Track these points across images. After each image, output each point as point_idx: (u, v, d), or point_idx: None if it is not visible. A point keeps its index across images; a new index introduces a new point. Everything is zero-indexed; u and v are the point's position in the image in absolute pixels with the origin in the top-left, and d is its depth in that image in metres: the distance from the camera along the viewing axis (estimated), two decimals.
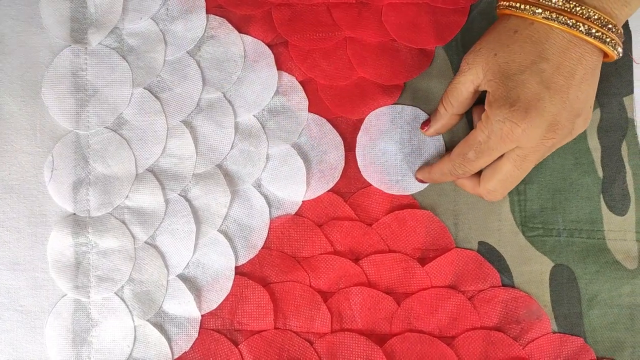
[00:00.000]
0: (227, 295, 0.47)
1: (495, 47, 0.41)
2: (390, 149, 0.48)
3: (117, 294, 0.47)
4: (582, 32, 0.39)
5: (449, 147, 0.48)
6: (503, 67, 0.40)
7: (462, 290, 0.47)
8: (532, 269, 0.47)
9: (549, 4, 0.40)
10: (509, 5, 0.41)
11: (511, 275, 0.47)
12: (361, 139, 0.48)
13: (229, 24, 0.48)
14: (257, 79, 0.48)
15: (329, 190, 0.48)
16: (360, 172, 0.48)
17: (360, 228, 0.47)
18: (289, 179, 0.48)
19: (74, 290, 0.46)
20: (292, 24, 0.48)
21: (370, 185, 0.48)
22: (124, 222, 0.47)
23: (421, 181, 0.47)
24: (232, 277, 0.47)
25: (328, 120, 0.48)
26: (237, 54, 0.48)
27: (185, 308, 0.47)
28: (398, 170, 0.48)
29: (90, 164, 0.47)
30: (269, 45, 0.48)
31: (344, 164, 0.48)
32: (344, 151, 0.48)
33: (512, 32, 0.41)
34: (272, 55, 0.48)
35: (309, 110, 0.48)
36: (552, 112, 0.40)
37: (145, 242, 0.47)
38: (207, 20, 0.48)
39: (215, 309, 0.47)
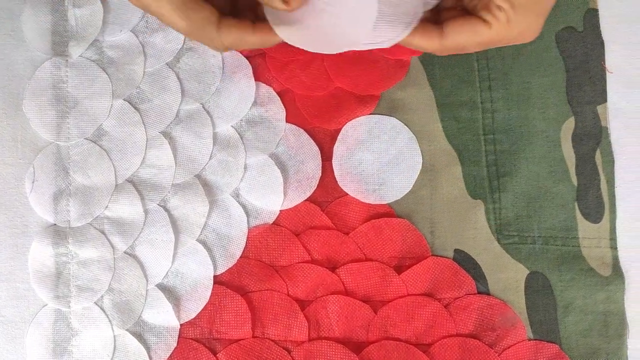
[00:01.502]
0: (206, 305, 0.47)
1: None
2: (367, 159, 0.48)
3: (97, 304, 0.47)
4: None
5: (426, 158, 0.48)
6: None
7: (438, 297, 0.47)
8: (508, 277, 0.48)
9: None
10: None
11: (487, 282, 0.48)
12: (338, 149, 0.49)
13: None
14: (235, 90, 0.49)
15: (306, 200, 0.48)
16: (337, 181, 0.48)
17: (337, 237, 0.48)
18: (267, 189, 0.48)
19: (55, 300, 0.47)
20: None
21: (347, 194, 0.48)
22: (103, 233, 0.48)
23: None
24: (211, 286, 0.47)
25: (305, 130, 0.49)
26: (216, 65, 0.49)
27: (164, 317, 0.47)
28: (375, 180, 0.48)
29: (71, 175, 0.48)
30: (246, 57, 0.49)
31: (320, 174, 0.48)
32: (321, 161, 0.48)
33: None
34: (250, 67, 0.49)
35: (287, 121, 0.49)
36: None
37: (125, 252, 0.47)
38: None
39: (194, 318, 0.47)
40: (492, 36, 0.37)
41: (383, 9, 0.36)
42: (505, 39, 0.37)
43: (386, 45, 0.38)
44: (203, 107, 0.49)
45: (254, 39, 0.35)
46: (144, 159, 0.48)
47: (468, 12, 0.38)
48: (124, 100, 0.48)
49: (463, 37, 0.37)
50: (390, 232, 0.48)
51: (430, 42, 0.38)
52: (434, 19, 0.38)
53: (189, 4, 0.33)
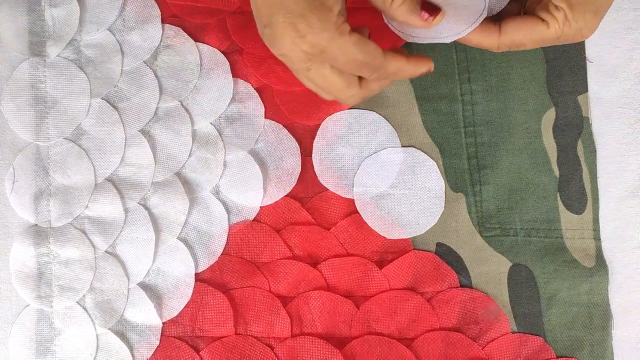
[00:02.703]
0: (188, 302, 0.47)
1: None
2: (347, 154, 0.48)
3: (79, 303, 0.47)
4: None
5: None
6: None
7: (420, 291, 0.47)
8: (490, 269, 0.47)
9: None
10: None
11: (469, 275, 0.47)
12: (318, 144, 0.48)
13: (185, 33, 0.49)
14: (214, 86, 0.49)
15: (286, 196, 0.48)
16: (317, 177, 0.48)
17: (318, 232, 0.48)
18: (247, 185, 0.48)
19: (37, 300, 0.47)
20: (247, 32, 0.48)
21: (328, 189, 0.48)
22: (84, 232, 0.47)
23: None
24: (192, 284, 0.47)
25: (284, 126, 0.48)
26: (193, 62, 0.49)
27: (146, 316, 0.47)
28: (355, 175, 0.48)
29: (51, 175, 0.48)
30: (224, 53, 0.49)
31: (300, 169, 0.48)
32: (300, 156, 0.48)
33: None
34: (228, 63, 0.49)
35: (266, 117, 0.49)
36: None
37: (106, 251, 0.47)
38: (163, 30, 0.49)
39: (176, 316, 0.47)
40: (549, 34, 0.38)
41: (449, 9, 0.38)
42: (562, 37, 0.39)
43: (448, 40, 0.40)
44: (181, 104, 0.49)
45: (409, 67, 0.39)
46: (123, 157, 0.48)
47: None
48: (102, 99, 0.48)
49: (520, 35, 0.39)
50: (371, 227, 0.47)
51: (488, 40, 0.40)
52: (494, 18, 0.40)
53: (363, 40, 0.37)
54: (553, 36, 0.39)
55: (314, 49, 0.36)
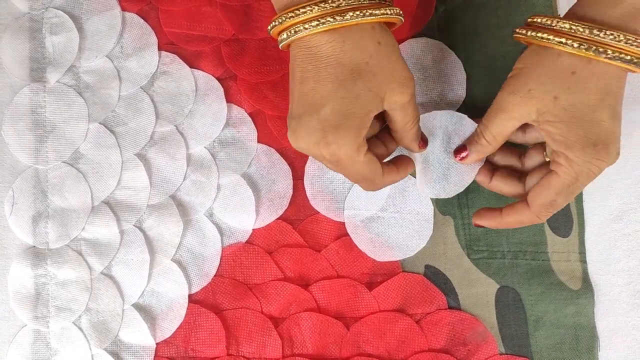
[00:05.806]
0: (181, 323, 0.48)
1: (554, 90, 0.38)
2: (338, 177, 0.49)
3: (75, 324, 0.48)
4: (635, 65, 0.37)
5: None
6: (570, 111, 0.38)
7: (409, 313, 0.48)
8: (478, 291, 0.48)
9: (597, 37, 0.36)
10: (560, 42, 0.37)
11: (457, 297, 0.48)
12: (309, 167, 0.49)
13: (181, 60, 0.50)
14: (208, 111, 0.50)
15: (278, 218, 0.49)
16: (308, 200, 0.49)
17: (309, 254, 0.49)
18: (239, 208, 0.49)
19: (34, 320, 0.48)
20: (240, 59, 0.50)
21: (319, 212, 0.49)
22: (80, 254, 0.49)
23: (479, 226, 0.44)
24: (186, 305, 0.48)
25: (277, 149, 0.50)
26: (189, 88, 0.50)
27: (140, 337, 0.48)
28: (345, 198, 0.49)
29: (49, 198, 0.49)
30: (218, 79, 0.50)
31: (292, 193, 0.49)
32: (292, 180, 0.49)
33: (570, 73, 0.38)
34: (222, 89, 0.50)
35: (258, 141, 0.50)
36: (619, 141, 0.40)
37: (101, 273, 0.48)
38: (160, 57, 0.50)
39: (170, 337, 0.48)
40: (565, 181, 0.39)
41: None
42: (580, 177, 0.39)
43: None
44: (177, 129, 0.50)
45: (399, 176, 0.43)
46: (119, 180, 0.49)
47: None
48: (100, 123, 0.50)
49: (545, 195, 0.40)
50: (361, 249, 0.48)
51: (524, 217, 0.42)
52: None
53: (372, 160, 0.40)
54: (569, 180, 0.39)
55: (332, 157, 0.38)
